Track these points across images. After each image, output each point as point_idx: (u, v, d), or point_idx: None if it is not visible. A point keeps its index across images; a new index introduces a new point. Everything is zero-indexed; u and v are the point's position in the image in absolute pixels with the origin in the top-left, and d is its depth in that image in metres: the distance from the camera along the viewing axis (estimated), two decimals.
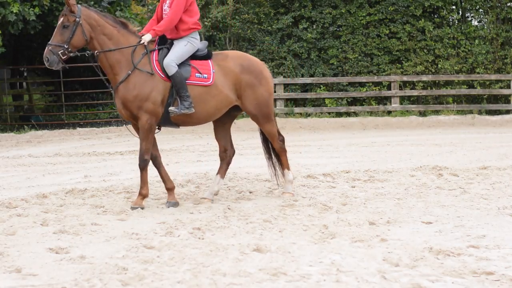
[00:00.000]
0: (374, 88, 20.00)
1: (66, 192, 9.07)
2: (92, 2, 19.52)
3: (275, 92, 20.01)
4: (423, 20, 20.04)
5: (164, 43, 8.26)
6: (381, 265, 5.54)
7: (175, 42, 8.22)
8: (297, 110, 19.78)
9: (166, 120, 8.19)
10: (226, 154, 8.73)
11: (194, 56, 8.28)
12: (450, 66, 19.90)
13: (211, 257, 5.81)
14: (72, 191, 9.12)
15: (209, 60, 8.33)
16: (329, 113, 19.82)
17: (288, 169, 8.75)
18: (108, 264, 5.60)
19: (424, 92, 19.81)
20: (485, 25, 20.37)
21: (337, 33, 20.48)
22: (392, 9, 20.05)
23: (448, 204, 7.96)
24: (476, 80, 19.87)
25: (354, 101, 20.35)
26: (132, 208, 7.94)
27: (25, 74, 25.98)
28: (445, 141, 14.50)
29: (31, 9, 18.11)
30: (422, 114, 19.65)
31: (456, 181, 9.38)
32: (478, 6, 20.41)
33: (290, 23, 20.32)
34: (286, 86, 20.18)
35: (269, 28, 20.38)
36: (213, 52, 8.54)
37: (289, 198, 8.44)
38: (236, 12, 20.42)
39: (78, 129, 19.04)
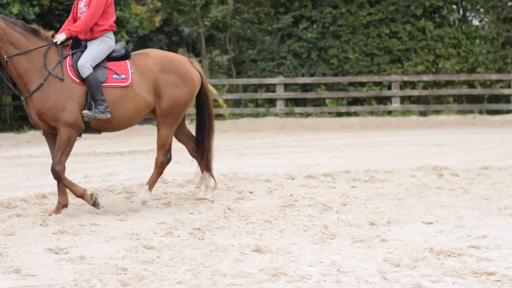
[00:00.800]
0: (375, 88, 19.99)
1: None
2: None
3: (275, 92, 20.01)
4: (423, 19, 20.03)
5: (78, 46, 7.88)
6: (382, 265, 5.52)
7: (89, 44, 7.86)
8: (297, 110, 19.76)
9: (86, 126, 7.79)
10: (197, 153, 8.44)
11: (110, 58, 7.91)
12: (450, 66, 19.89)
13: (211, 258, 5.79)
14: None
15: (127, 60, 7.94)
16: (329, 113, 19.80)
17: (150, 189, 8.10)
18: (107, 265, 5.58)
19: (424, 92, 19.79)
20: (486, 24, 20.36)
21: (338, 32, 20.47)
22: (392, 8, 20.03)
23: (448, 204, 7.94)
24: (477, 80, 19.86)
25: (354, 101, 20.33)
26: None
27: None
28: (446, 141, 14.48)
29: (31, 8, 18.10)
30: (423, 114, 19.63)
31: (456, 181, 9.36)
32: (479, 6, 20.41)
33: (290, 23, 20.30)
34: (286, 86, 20.16)
35: (269, 28, 20.36)
36: (133, 53, 8.20)
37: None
38: (236, 12, 20.40)
39: None
